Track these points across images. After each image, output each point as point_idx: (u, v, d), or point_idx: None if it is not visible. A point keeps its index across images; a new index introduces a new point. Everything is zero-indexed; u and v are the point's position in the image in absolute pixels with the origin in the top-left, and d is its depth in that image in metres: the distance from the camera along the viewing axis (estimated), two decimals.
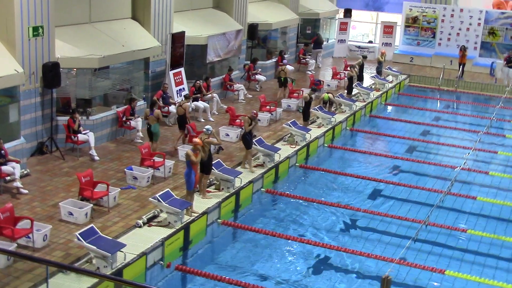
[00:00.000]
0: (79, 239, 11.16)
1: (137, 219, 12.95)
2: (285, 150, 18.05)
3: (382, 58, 28.79)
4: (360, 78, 26.50)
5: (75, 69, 17.35)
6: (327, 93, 22.77)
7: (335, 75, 27.55)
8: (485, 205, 16.44)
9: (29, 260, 10.76)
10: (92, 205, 13.11)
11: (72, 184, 14.52)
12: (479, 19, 32.68)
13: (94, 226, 11.69)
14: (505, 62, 29.35)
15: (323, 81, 25.53)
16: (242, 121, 18.18)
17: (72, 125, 16.27)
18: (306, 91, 20.86)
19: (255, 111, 17.19)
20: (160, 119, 16.75)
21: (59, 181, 14.80)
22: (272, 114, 21.20)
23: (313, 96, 20.50)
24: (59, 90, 16.64)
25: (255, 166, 16.62)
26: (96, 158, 16.35)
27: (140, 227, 12.73)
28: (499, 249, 14.15)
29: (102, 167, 15.94)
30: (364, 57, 27.14)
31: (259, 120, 19.14)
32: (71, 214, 12.78)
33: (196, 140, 13.64)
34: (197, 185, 14.11)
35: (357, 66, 25.86)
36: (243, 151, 17.63)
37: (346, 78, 25.23)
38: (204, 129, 14.81)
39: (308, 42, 31.22)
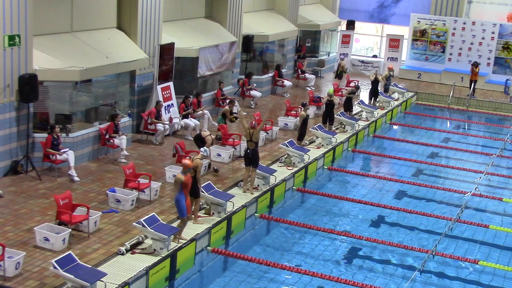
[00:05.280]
0: (55, 267, 11.09)
1: (119, 246, 12.92)
2: (281, 172, 18.07)
3: (389, 73, 28.87)
4: (376, 94, 26.71)
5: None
6: (334, 85, 23.00)
7: (336, 91, 27.65)
8: (498, 234, 16.45)
9: None
10: (70, 230, 13.07)
11: (49, 207, 14.49)
12: (493, 32, 32.97)
13: (72, 253, 11.62)
14: None
15: (323, 98, 25.64)
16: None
17: (49, 145, 16.21)
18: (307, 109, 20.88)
19: (254, 120, 17.06)
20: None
21: (34, 204, 14.76)
22: (267, 133, 21.25)
23: (309, 113, 20.52)
24: (36, 104, 16.67)
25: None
26: (76, 178, 16.33)
27: (122, 254, 12.68)
28: None
29: (82, 188, 15.92)
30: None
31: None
32: (47, 240, 12.73)
33: (187, 162, 13.61)
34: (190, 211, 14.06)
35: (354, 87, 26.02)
36: (238, 172, 17.69)
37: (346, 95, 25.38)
38: (201, 150, 14.81)
39: (301, 54, 31.58)
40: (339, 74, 30.95)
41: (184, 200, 13.33)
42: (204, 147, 15.05)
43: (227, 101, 22.34)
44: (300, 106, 23.83)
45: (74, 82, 17.50)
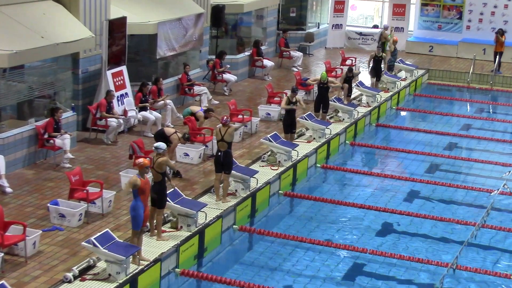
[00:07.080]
0: None
1: (65, 272, 12.89)
2: (264, 173, 18.12)
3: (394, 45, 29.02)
4: (378, 74, 26.91)
5: None
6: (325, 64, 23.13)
7: (329, 71, 27.74)
8: None
9: None
10: (2, 254, 13.02)
11: None
12: None
13: (6, 283, 11.62)
14: None
15: (311, 80, 25.69)
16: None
17: None
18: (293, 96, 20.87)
19: (226, 116, 17.09)
20: None
21: None
22: (246, 126, 21.26)
23: (295, 99, 20.55)
24: None
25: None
26: (8, 190, 16.26)
27: (69, 282, 12.65)
28: None
29: (16, 202, 15.87)
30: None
31: None
32: None
33: (141, 160, 13.63)
34: (147, 223, 14.08)
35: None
36: (210, 174, 17.70)
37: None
38: (153, 147, 14.81)
39: (289, 28, 31.68)
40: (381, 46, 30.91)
41: (142, 209, 13.31)
42: (157, 144, 14.84)
43: (205, 109, 20.75)
44: (285, 91, 23.92)
45: (1, 69, 17.42)
